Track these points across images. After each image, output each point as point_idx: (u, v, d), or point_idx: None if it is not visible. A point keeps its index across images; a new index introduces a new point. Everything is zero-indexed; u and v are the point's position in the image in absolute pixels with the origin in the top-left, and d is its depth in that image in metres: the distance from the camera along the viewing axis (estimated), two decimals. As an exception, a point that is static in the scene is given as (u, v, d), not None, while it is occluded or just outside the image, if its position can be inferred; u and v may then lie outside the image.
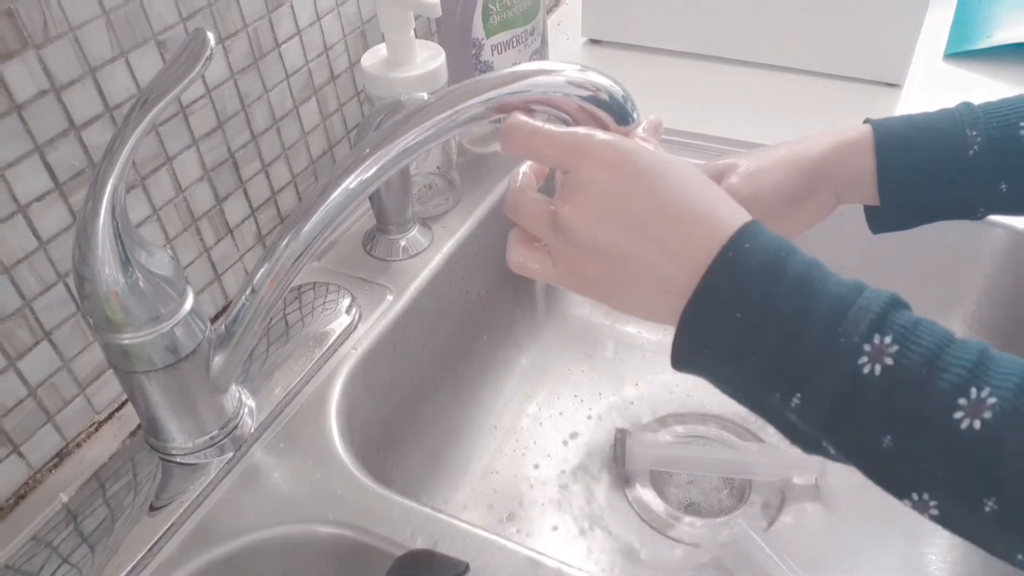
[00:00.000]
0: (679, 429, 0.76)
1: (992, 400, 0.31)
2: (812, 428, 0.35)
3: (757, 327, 0.35)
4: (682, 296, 0.36)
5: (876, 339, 0.33)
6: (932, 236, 0.72)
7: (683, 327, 0.36)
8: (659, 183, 0.37)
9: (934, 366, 0.33)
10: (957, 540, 0.66)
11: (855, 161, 0.52)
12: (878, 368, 0.33)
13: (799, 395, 0.35)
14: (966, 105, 0.51)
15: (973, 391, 0.32)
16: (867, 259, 0.76)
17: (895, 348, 0.33)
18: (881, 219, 0.53)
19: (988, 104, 0.51)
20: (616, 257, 0.38)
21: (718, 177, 0.53)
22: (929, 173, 0.50)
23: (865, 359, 0.33)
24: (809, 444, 0.37)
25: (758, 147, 0.56)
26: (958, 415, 0.32)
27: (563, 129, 0.40)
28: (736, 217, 0.37)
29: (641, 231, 0.37)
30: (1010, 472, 0.31)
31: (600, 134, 0.39)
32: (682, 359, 0.37)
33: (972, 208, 0.51)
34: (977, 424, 0.31)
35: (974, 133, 0.50)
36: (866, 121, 0.53)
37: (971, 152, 0.49)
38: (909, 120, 0.52)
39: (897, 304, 0.34)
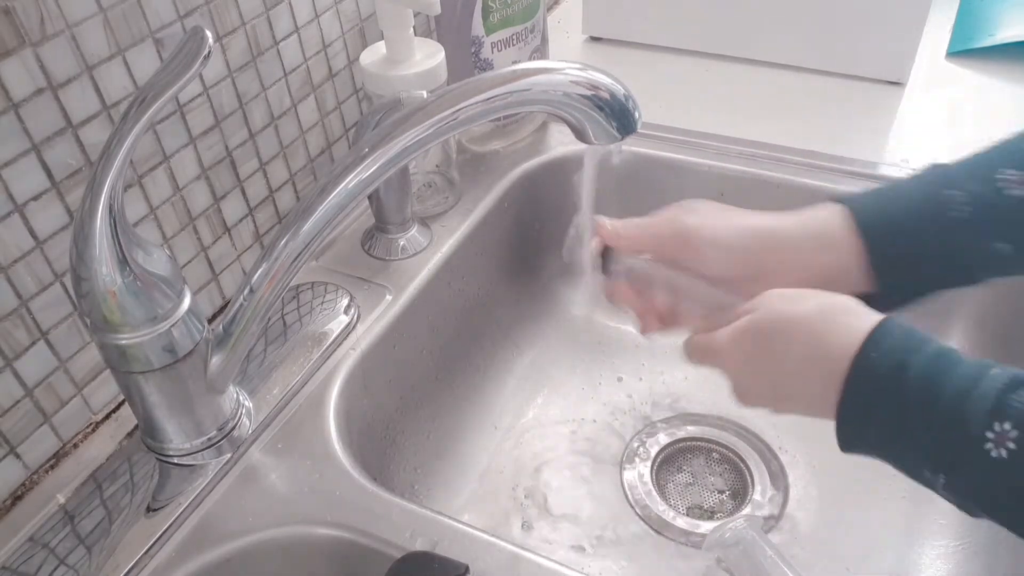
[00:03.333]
0: (682, 430, 0.76)
1: None
2: (963, 503, 0.39)
3: (895, 424, 0.40)
4: (831, 402, 0.41)
5: (996, 426, 0.36)
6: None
7: (838, 428, 0.42)
8: (785, 339, 0.44)
9: None
10: (957, 542, 0.66)
11: (827, 256, 0.48)
12: (1004, 452, 0.36)
13: (943, 477, 0.38)
14: (936, 166, 0.49)
15: None
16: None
17: (1015, 433, 0.35)
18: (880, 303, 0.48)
19: (961, 161, 0.48)
20: (771, 391, 0.46)
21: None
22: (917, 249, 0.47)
23: (991, 445, 0.36)
24: (970, 513, 0.40)
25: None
26: None
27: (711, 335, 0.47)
28: (860, 329, 0.41)
29: (784, 376, 0.45)
30: None
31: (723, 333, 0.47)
32: (846, 447, 0.43)
33: (970, 274, 0.48)
34: None
35: (953, 192, 0.47)
36: (834, 200, 0.50)
37: (953, 214, 0.46)
38: (880, 195, 0.49)
39: (1015, 386, 0.37)
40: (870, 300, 0.47)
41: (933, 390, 0.38)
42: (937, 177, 0.48)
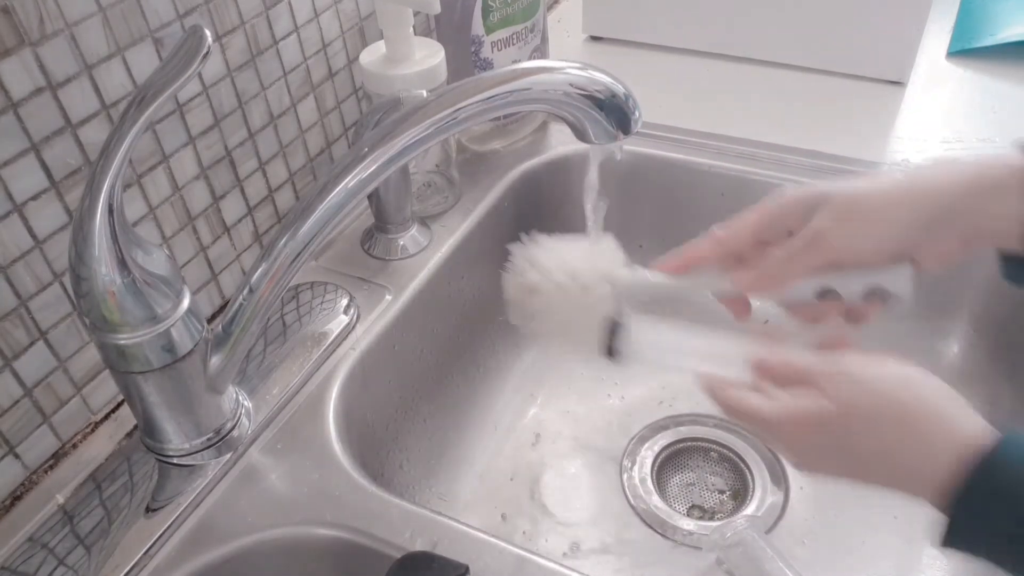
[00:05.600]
0: (682, 430, 0.75)
1: None
2: None
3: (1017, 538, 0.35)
4: (933, 499, 0.37)
5: None
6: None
7: (946, 533, 0.37)
8: (867, 436, 0.38)
9: None
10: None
11: (998, 206, 0.41)
12: None
13: None
14: None
15: None
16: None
17: None
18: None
19: None
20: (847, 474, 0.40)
21: (808, 212, 0.44)
22: None
23: None
24: None
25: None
26: None
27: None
28: (972, 430, 0.36)
29: (866, 469, 0.39)
30: None
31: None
32: (951, 546, 0.37)
33: None
34: None
35: None
36: None
37: None
38: None
39: None
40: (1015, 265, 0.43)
41: None
42: None
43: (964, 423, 0.37)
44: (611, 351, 0.49)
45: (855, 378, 0.39)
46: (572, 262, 0.49)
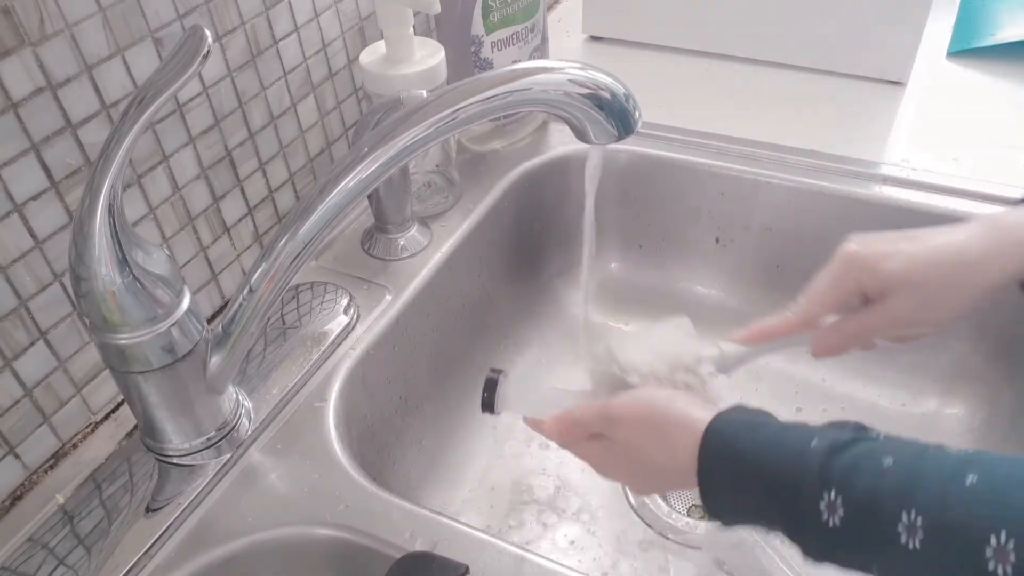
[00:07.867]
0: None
1: (919, 521, 0.36)
2: (819, 562, 0.41)
3: (750, 505, 0.43)
4: (690, 477, 0.44)
5: (826, 496, 0.38)
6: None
7: (704, 505, 0.45)
8: (645, 433, 0.47)
9: (876, 502, 0.37)
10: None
11: None
12: (837, 519, 0.38)
13: (799, 546, 0.42)
14: None
15: (904, 516, 0.36)
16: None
17: (840, 498, 0.38)
18: None
19: None
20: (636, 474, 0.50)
21: (877, 281, 0.49)
22: None
23: (825, 515, 0.39)
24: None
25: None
26: (903, 539, 0.36)
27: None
28: (702, 420, 0.45)
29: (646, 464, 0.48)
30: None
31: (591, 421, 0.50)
32: (715, 518, 0.46)
33: None
34: (917, 544, 0.36)
35: None
36: None
37: None
38: None
39: (836, 450, 0.39)
40: None
41: (768, 472, 0.41)
42: None
43: (696, 418, 0.45)
44: (485, 404, 0.54)
45: (620, 420, 0.48)
46: (662, 354, 0.52)
